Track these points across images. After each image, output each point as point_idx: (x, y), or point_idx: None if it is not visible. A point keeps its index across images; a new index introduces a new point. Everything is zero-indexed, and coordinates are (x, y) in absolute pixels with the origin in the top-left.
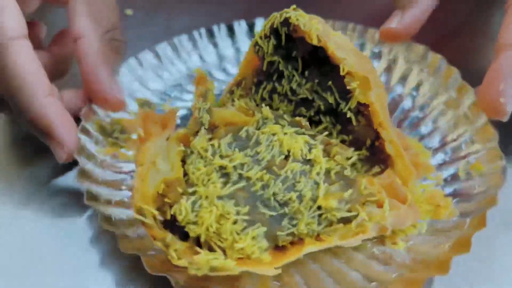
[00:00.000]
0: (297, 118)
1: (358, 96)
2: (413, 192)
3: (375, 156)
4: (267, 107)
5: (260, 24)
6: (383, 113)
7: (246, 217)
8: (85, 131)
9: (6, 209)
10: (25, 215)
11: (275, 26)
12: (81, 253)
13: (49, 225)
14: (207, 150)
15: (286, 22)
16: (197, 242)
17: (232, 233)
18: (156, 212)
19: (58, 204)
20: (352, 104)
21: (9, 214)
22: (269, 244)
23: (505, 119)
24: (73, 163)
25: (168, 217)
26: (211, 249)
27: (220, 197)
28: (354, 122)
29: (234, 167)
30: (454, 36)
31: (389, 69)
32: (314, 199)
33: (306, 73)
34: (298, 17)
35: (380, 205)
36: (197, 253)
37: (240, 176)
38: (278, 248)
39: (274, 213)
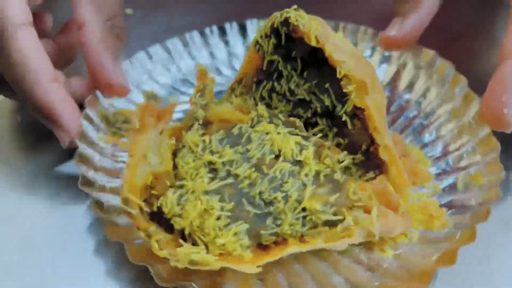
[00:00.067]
0: (292, 119)
1: (354, 100)
2: (407, 200)
3: (370, 161)
4: (263, 106)
5: None
6: (378, 118)
7: (229, 214)
8: (88, 118)
9: (11, 193)
10: (31, 200)
11: (275, 25)
12: (80, 239)
13: (50, 210)
14: (198, 145)
15: (286, 22)
16: (182, 235)
17: (215, 229)
18: (142, 203)
19: (61, 189)
20: (348, 107)
21: (14, 199)
22: (252, 242)
23: (509, 130)
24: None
25: (155, 208)
26: (195, 243)
27: (206, 192)
28: (349, 126)
29: (223, 163)
30: (458, 39)
31: (398, 74)
32: (300, 200)
33: (305, 73)
34: (298, 17)
35: (368, 211)
36: (180, 245)
37: (228, 173)
38: (261, 247)
39: (258, 212)
